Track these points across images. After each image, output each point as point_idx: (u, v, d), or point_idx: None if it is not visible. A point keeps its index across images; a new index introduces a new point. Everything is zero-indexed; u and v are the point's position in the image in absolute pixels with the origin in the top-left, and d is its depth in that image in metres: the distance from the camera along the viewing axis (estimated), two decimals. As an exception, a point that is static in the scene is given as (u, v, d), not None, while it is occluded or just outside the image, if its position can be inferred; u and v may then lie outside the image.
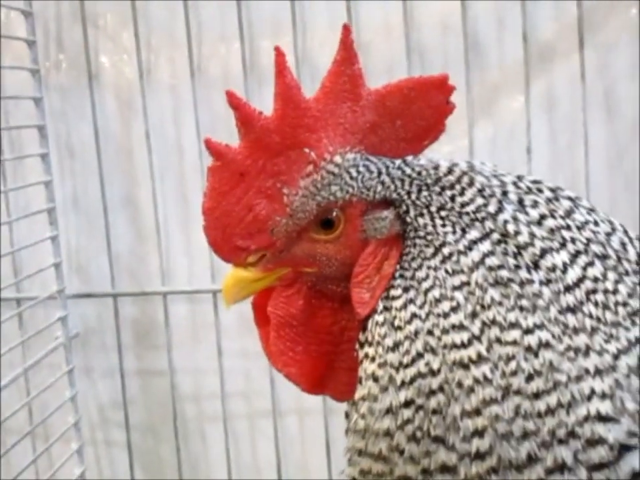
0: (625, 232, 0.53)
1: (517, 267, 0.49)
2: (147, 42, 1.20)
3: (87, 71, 1.17)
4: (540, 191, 0.52)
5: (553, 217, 0.51)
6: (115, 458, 1.28)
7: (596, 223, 0.52)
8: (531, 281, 0.48)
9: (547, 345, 0.47)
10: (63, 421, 1.16)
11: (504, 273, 0.49)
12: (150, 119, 1.16)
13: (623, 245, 0.52)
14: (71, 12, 1.19)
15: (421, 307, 0.50)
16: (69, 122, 1.22)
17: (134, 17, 1.15)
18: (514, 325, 0.48)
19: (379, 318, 0.52)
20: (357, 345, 0.53)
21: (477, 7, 1.17)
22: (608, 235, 0.52)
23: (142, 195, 1.21)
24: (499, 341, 0.48)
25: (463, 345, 0.48)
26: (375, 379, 0.50)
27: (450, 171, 0.52)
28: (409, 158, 0.53)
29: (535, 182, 0.53)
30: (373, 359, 0.51)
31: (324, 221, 0.53)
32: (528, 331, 0.47)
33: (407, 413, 0.48)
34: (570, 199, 0.53)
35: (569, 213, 0.51)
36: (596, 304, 0.48)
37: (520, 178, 0.53)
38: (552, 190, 0.53)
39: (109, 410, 1.27)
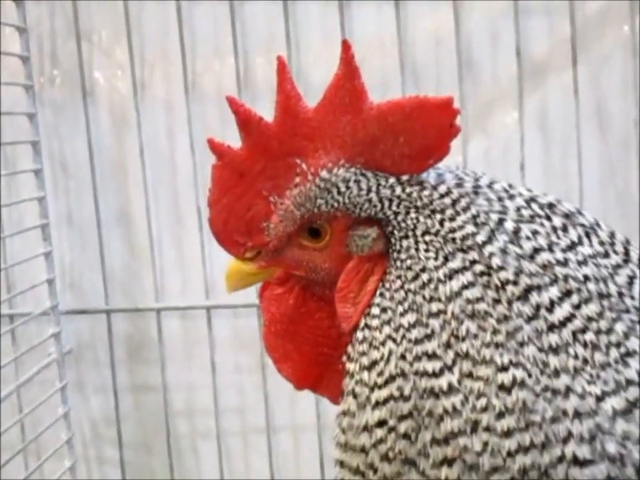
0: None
1: (497, 301, 0.48)
2: (140, 57, 1.20)
3: (81, 87, 1.17)
4: (549, 218, 0.51)
5: (551, 250, 0.49)
6: (108, 475, 1.27)
7: (606, 255, 0.50)
8: (509, 318, 0.48)
9: (521, 384, 0.46)
10: (56, 438, 1.15)
11: (482, 307, 0.48)
12: (144, 135, 1.16)
13: (631, 279, 0.50)
14: (65, 27, 1.20)
15: (396, 330, 0.50)
16: (63, 138, 1.22)
17: (128, 33, 1.15)
18: (487, 362, 0.47)
19: (360, 335, 0.51)
20: (344, 357, 0.53)
21: (470, 23, 1.18)
22: (616, 267, 0.50)
23: (136, 210, 1.20)
24: (470, 375, 0.47)
25: (435, 374, 0.48)
26: (354, 396, 0.51)
27: (447, 193, 0.51)
28: (406, 177, 0.52)
29: (549, 206, 0.51)
30: (352, 375, 0.51)
31: (312, 229, 0.53)
32: (502, 369, 0.47)
33: (380, 433, 0.48)
34: (583, 226, 0.51)
35: (573, 245, 0.50)
36: (584, 344, 0.47)
37: (533, 200, 0.51)
38: (566, 215, 0.51)
39: (102, 426, 1.26)
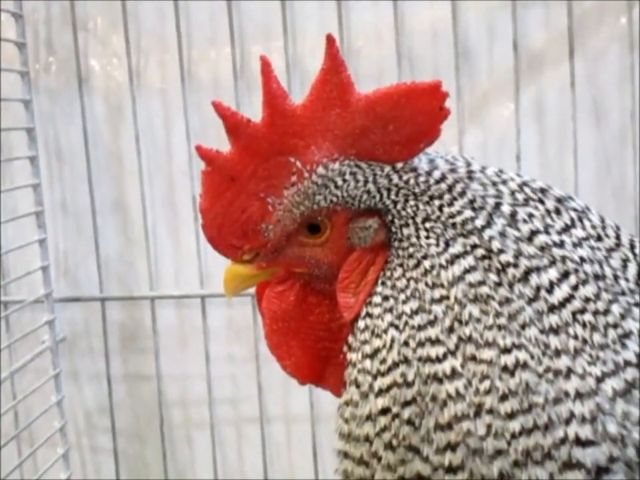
0: (632, 247, 0.52)
1: (499, 284, 0.48)
2: (137, 46, 1.19)
3: (77, 74, 1.16)
4: (542, 201, 0.51)
5: (547, 232, 0.50)
6: (101, 463, 1.27)
7: (599, 238, 0.51)
8: (511, 300, 0.48)
9: (524, 366, 0.46)
10: (49, 426, 1.15)
11: (484, 290, 0.48)
12: (139, 123, 1.15)
13: (625, 262, 0.51)
14: (61, 15, 1.19)
15: (398, 317, 0.50)
16: (58, 125, 1.22)
17: (124, 21, 1.14)
18: (490, 344, 0.47)
19: (361, 324, 0.52)
20: (345, 348, 0.53)
21: (467, 15, 1.18)
22: (610, 250, 0.51)
23: (131, 199, 1.20)
24: (474, 358, 0.47)
25: (438, 359, 0.48)
26: (357, 385, 0.51)
27: (442, 178, 0.51)
28: (400, 164, 0.52)
29: (541, 190, 0.52)
30: (354, 365, 0.51)
31: (311, 226, 0.53)
32: (505, 350, 0.47)
33: (383, 421, 0.49)
34: (575, 210, 0.52)
35: (567, 228, 0.50)
36: (583, 325, 0.48)
37: (525, 185, 0.52)
38: (558, 200, 0.52)
39: (95, 415, 1.26)
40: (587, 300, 0.48)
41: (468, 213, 0.50)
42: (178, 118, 1.16)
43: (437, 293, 0.49)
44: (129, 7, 1.14)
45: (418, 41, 1.16)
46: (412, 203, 0.51)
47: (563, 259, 0.49)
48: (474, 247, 0.49)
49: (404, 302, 0.50)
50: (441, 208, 0.50)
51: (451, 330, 0.48)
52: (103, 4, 1.19)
